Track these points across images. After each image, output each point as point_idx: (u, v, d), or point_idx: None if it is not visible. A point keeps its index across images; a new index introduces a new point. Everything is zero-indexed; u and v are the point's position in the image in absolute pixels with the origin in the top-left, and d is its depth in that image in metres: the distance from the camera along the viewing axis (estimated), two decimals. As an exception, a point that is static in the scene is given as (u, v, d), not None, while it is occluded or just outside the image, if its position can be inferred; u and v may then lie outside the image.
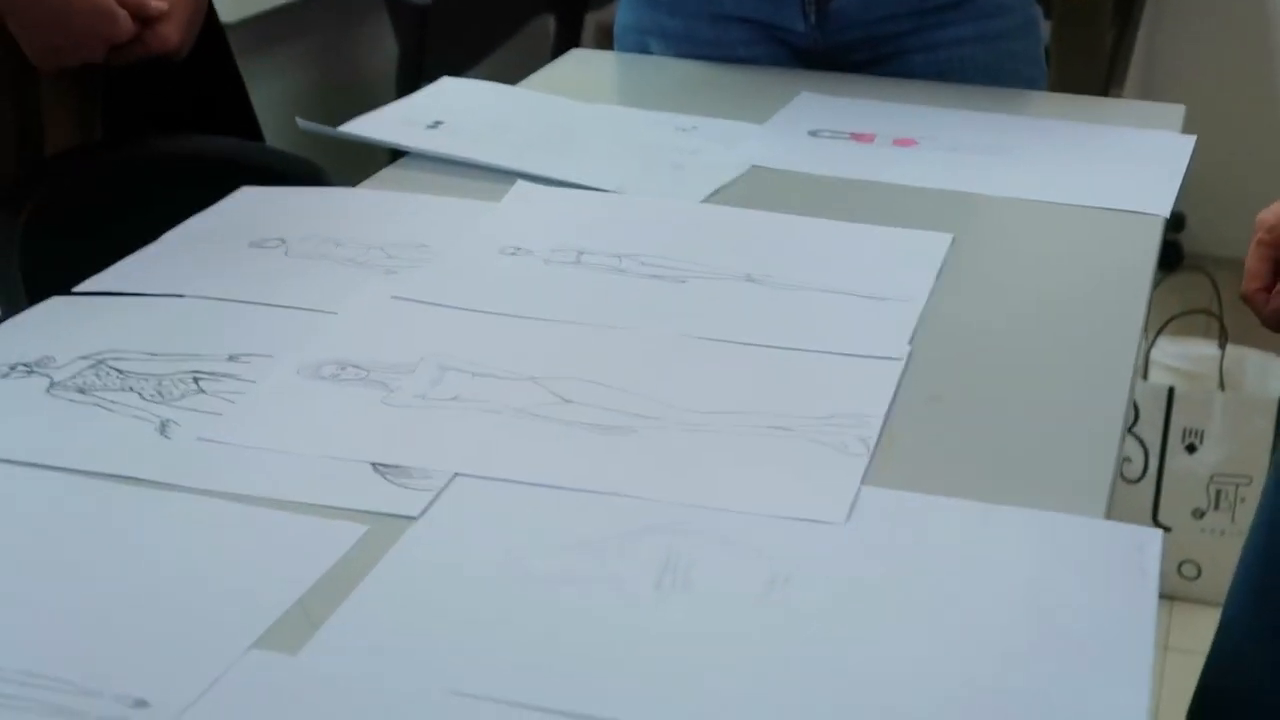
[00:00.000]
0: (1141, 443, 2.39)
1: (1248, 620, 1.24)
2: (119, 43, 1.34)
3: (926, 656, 0.72)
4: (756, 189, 1.31)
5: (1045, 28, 2.38)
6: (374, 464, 0.87)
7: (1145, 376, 2.49)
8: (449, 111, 1.48)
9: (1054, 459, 0.90)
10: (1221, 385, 2.45)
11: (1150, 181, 1.33)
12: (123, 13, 1.33)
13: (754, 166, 1.36)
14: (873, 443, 0.90)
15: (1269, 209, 1.18)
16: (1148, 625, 0.74)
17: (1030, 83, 1.61)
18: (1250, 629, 1.24)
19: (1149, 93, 3.35)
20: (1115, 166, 1.38)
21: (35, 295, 1.12)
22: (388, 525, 0.81)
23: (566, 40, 3.03)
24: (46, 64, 1.34)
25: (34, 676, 0.69)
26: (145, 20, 1.36)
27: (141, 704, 0.67)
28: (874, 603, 0.76)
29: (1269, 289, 1.17)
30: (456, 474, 0.86)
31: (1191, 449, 2.38)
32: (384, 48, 2.81)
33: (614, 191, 1.29)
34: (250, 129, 1.58)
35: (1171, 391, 2.37)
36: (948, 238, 1.20)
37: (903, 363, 1.00)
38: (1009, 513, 0.83)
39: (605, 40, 1.99)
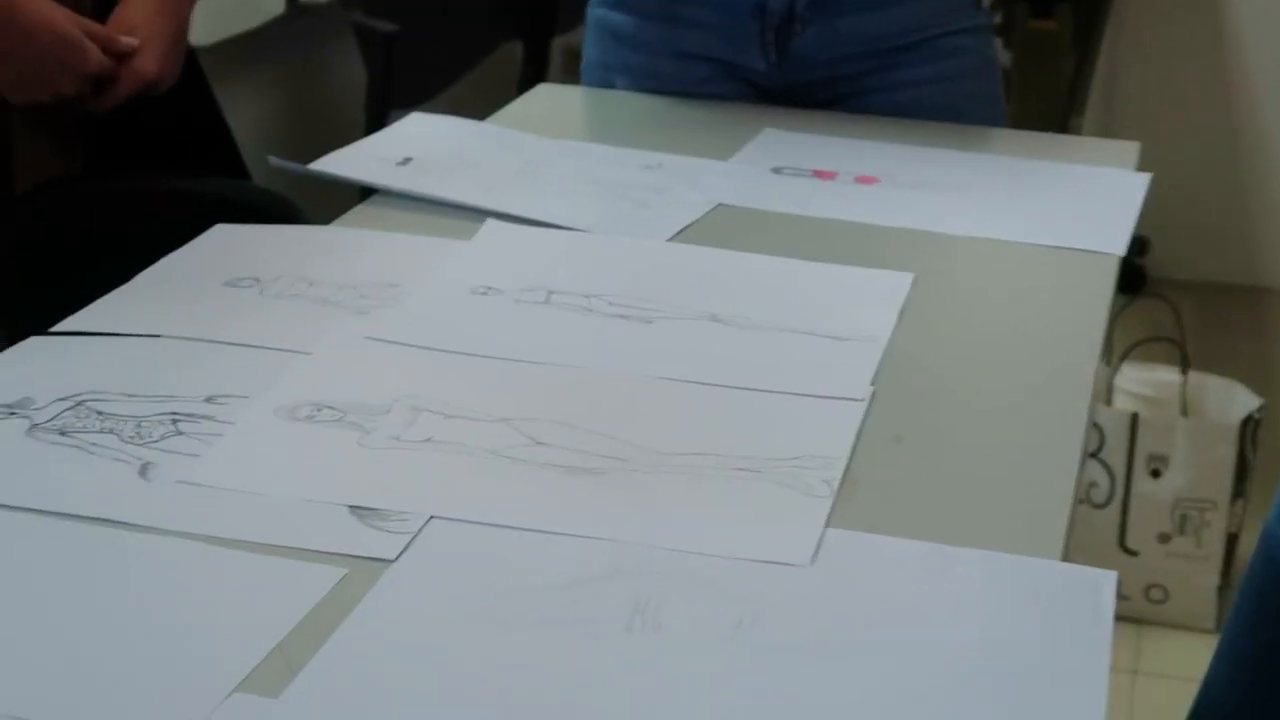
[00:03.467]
0: (1107, 468, 2.42)
1: (1239, 654, 1.25)
2: (89, 74, 1.35)
3: (887, 697, 0.75)
4: (721, 227, 1.34)
5: (1005, 57, 2.42)
6: (351, 507, 0.89)
7: (1109, 402, 2.52)
8: (418, 148, 1.50)
9: (1012, 499, 0.93)
10: (1184, 411, 2.48)
11: (1106, 220, 1.36)
12: (91, 44, 1.33)
13: (719, 204, 1.39)
14: (837, 484, 0.92)
15: None
16: (1101, 667, 0.76)
17: (989, 121, 1.63)
18: (1241, 663, 1.24)
19: (1110, 120, 3.38)
20: (1072, 205, 1.41)
21: (8, 326, 1.13)
22: (365, 568, 0.83)
23: (534, 65, 3.06)
24: (16, 96, 1.35)
25: (19, 721, 0.71)
26: (119, 56, 1.37)
27: (126, 748, 0.69)
28: (838, 644, 0.78)
29: None
30: (432, 516, 0.88)
31: (1156, 474, 2.41)
32: (353, 71, 2.83)
33: (582, 230, 1.31)
34: (234, 165, 1.60)
35: (1135, 418, 2.40)
36: (909, 277, 1.22)
37: (865, 403, 1.02)
38: (968, 555, 0.85)
39: (573, 64, 2.01)
